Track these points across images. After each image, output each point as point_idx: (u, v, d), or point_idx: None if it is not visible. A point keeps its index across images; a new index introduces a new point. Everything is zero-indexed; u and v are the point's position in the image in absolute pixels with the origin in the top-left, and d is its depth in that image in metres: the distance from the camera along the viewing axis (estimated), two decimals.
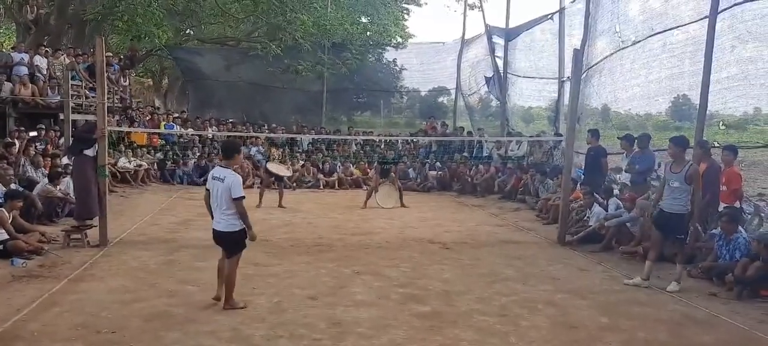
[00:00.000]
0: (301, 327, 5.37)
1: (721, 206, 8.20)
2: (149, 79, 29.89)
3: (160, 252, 8.14)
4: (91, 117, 10.94)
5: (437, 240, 9.62)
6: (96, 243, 8.40)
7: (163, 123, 17.73)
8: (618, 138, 10.92)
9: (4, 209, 7.89)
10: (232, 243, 5.80)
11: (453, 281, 7.11)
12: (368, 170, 17.44)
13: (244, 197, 5.72)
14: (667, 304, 6.47)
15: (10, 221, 7.89)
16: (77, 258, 7.62)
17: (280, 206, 12.67)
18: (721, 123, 9.66)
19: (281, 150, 18.05)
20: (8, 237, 7.60)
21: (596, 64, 12.74)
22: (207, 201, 5.89)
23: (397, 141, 19.53)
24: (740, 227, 7.55)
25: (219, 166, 5.97)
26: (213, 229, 5.84)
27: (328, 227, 10.69)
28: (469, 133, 19.16)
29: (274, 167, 13.41)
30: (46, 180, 10.52)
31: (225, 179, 5.67)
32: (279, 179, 13.27)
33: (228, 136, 17.59)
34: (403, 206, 13.16)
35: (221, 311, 5.70)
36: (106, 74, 14.56)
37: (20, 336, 5.00)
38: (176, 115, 19.95)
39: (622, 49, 11.71)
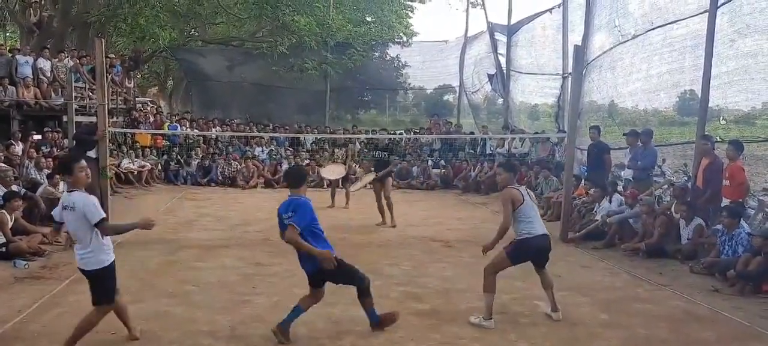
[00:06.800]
0: (299, 326, 5.35)
1: (725, 202, 8.15)
2: (153, 88, 30.03)
3: (161, 252, 8.16)
4: (93, 119, 10.95)
5: (439, 238, 9.61)
6: None
7: (166, 124, 17.78)
8: (623, 134, 10.87)
9: (4, 211, 7.93)
10: (101, 285, 4.69)
11: (453, 279, 7.10)
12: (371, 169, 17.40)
13: (105, 218, 4.55)
14: (668, 300, 6.43)
15: (11, 223, 7.93)
16: None
17: (346, 206, 12.65)
18: (721, 118, 9.60)
19: (344, 149, 18.06)
20: (4, 241, 7.62)
21: (595, 59, 12.69)
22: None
23: (402, 140, 19.50)
24: (743, 222, 7.50)
25: (66, 193, 4.73)
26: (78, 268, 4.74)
27: (330, 226, 10.58)
28: (471, 133, 19.13)
29: (327, 173, 13.09)
30: (47, 182, 10.57)
31: (74, 205, 4.49)
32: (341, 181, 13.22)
33: (232, 137, 17.76)
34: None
35: (220, 311, 5.71)
36: (109, 76, 14.75)
37: (20, 337, 5.03)
38: (178, 116, 19.95)
39: (622, 43, 11.66)
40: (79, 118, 14.18)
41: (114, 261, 4.74)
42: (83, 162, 4.64)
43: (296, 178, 5.19)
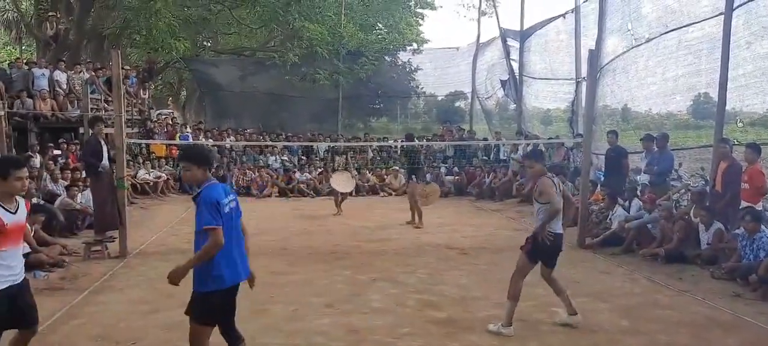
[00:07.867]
0: (317, 335, 5.37)
1: (744, 205, 8.04)
2: (167, 99, 30.38)
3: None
4: (109, 130, 10.93)
5: (454, 245, 9.57)
6: (116, 255, 8.50)
7: (177, 135, 17.89)
8: (640, 139, 10.80)
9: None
10: None
11: (470, 287, 7.06)
12: (385, 177, 17.40)
13: None
14: (689, 306, 6.35)
15: (32, 234, 8.00)
16: (97, 270, 7.70)
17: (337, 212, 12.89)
18: (738, 120, 9.49)
19: (344, 157, 18.12)
20: (30, 250, 7.69)
21: (609, 63, 12.62)
22: None
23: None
24: (764, 227, 7.39)
25: None
26: None
27: (344, 234, 10.68)
28: (484, 139, 19.09)
29: (338, 185, 13.23)
30: (65, 193, 10.69)
31: None
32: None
33: (245, 146, 17.85)
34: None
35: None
36: (124, 87, 14.86)
37: None
38: (193, 125, 20.10)
39: (636, 46, 11.58)
40: None
41: None
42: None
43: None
